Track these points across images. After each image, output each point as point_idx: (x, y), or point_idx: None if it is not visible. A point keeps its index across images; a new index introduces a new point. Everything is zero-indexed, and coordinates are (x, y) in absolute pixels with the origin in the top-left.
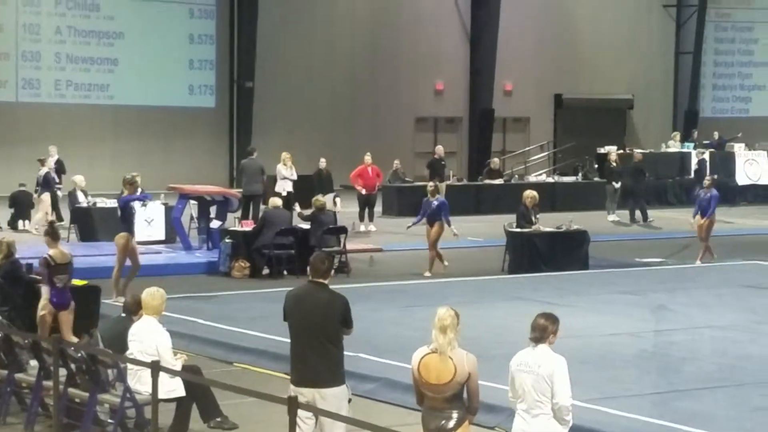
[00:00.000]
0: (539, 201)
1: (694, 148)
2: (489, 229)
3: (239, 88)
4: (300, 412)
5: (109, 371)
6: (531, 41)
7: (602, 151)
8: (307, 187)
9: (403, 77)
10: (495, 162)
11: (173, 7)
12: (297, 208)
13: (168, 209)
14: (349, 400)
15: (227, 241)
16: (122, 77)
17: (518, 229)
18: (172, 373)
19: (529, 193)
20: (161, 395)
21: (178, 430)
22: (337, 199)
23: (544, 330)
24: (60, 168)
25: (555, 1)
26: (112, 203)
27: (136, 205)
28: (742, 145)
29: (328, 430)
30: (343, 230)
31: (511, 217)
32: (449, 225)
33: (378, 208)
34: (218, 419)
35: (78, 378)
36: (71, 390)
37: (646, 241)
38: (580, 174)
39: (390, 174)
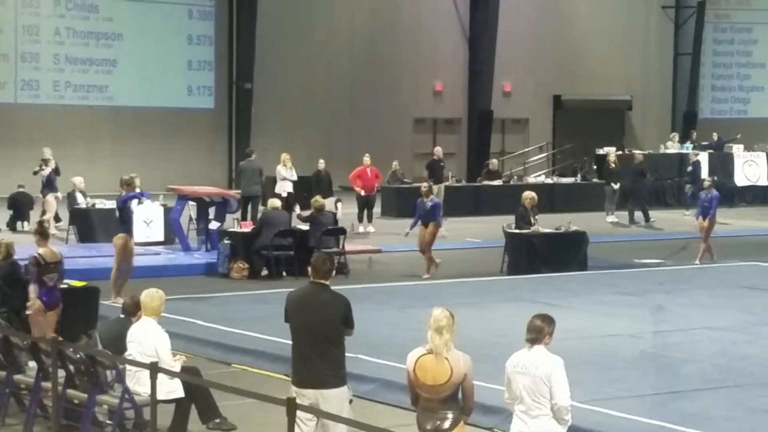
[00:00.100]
0: (538, 202)
1: (693, 149)
2: (488, 230)
3: (238, 89)
4: (301, 413)
5: (108, 372)
6: (530, 42)
7: (601, 152)
8: (305, 188)
9: (401, 78)
10: (494, 163)
11: (172, 8)
12: (297, 209)
13: (167, 210)
14: (351, 401)
15: (226, 242)
16: (121, 78)
17: (517, 230)
18: (170, 374)
19: (528, 194)
20: (160, 396)
21: (177, 431)
22: (339, 204)
23: (539, 331)
24: (54, 170)
25: (553, 2)
26: (111, 204)
27: (134, 203)
28: (741, 146)
29: (331, 431)
30: (342, 231)
31: (510, 218)
32: (440, 225)
33: (377, 209)
34: (217, 420)
35: (77, 379)
36: (70, 391)
37: (645, 242)
38: (578, 175)
39: (389, 175)
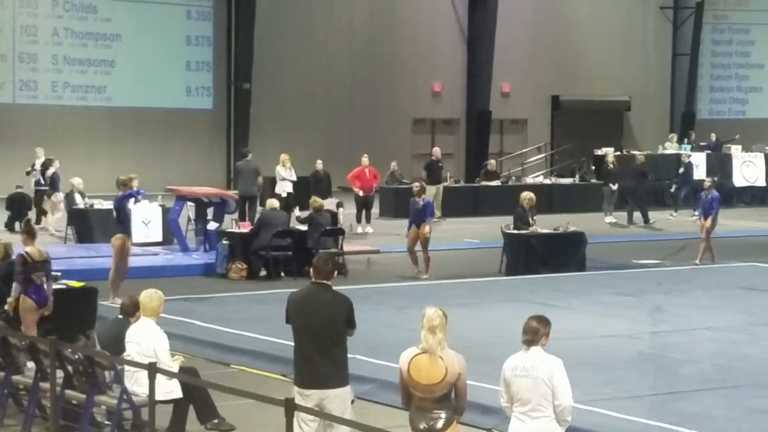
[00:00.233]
0: (536, 203)
1: (692, 149)
2: (486, 231)
3: (236, 89)
4: (303, 414)
5: (106, 373)
6: (528, 43)
7: (599, 152)
8: (305, 189)
9: (400, 79)
10: (492, 164)
11: (170, 8)
12: (296, 211)
13: (165, 211)
14: (353, 401)
15: (224, 242)
16: (119, 79)
17: (515, 231)
18: (169, 374)
19: (526, 195)
20: (158, 397)
21: (175, 431)
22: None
23: (536, 332)
24: (46, 170)
25: (552, 3)
26: (110, 205)
27: (131, 202)
28: (739, 146)
29: (333, 430)
30: (341, 232)
31: (508, 219)
32: (429, 224)
33: (375, 210)
34: (215, 421)
35: (75, 380)
36: (68, 392)
37: (643, 242)
38: (577, 176)
39: (387, 176)
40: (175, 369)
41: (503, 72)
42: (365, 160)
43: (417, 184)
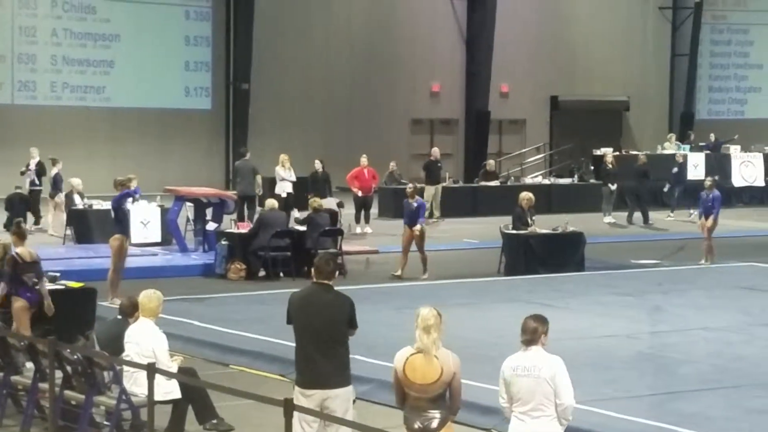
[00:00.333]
0: (535, 203)
1: (691, 150)
2: (485, 231)
3: (235, 90)
4: (304, 415)
5: (105, 373)
6: (527, 43)
7: (598, 153)
8: (305, 189)
9: (399, 79)
10: (491, 164)
11: (169, 9)
12: (295, 213)
13: (164, 211)
14: (354, 401)
15: (223, 243)
16: (118, 79)
17: (514, 231)
18: (168, 375)
19: (525, 195)
20: (157, 397)
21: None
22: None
23: (534, 332)
24: (40, 170)
25: (551, 3)
26: (109, 205)
27: (128, 202)
28: (738, 147)
29: (334, 429)
30: (340, 232)
31: (507, 219)
32: (421, 225)
33: (374, 210)
34: (214, 421)
35: (74, 380)
36: (67, 392)
37: (642, 242)
38: (576, 176)
39: (386, 176)
40: (174, 369)
41: (502, 72)
42: (364, 160)
43: (411, 185)
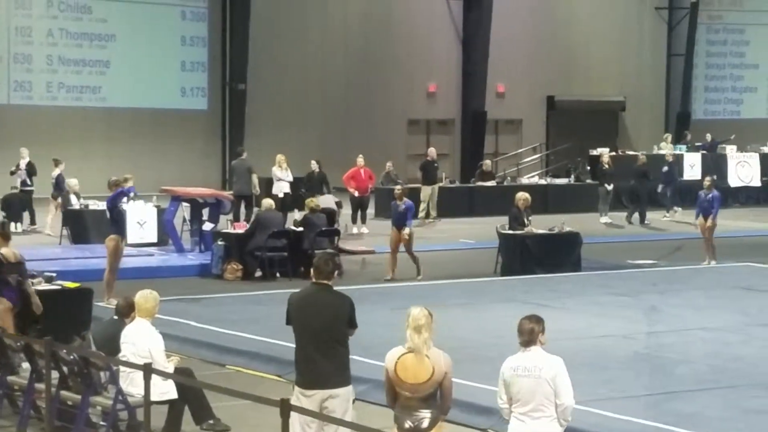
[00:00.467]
0: (532, 203)
1: (687, 150)
2: (481, 231)
3: (231, 90)
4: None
5: (102, 374)
6: (523, 43)
7: (594, 153)
8: (299, 190)
9: (395, 79)
10: (487, 164)
11: (165, 9)
12: (296, 214)
13: (160, 211)
14: (354, 401)
15: (220, 243)
16: (114, 79)
17: (511, 231)
18: (164, 375)
19: (522, 195)
20: (153, 398)
21: None
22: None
23: (531, 332)
24: (31, 170)
25: (547, 3)
26: (104, 205)
27: (124, 202)
28: (734, 147)
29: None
30: (336, 232)
31: (504, 219)
32: (409, 227)
33: (371, 210)
34: (210, 422)
35: (70, 380)
36: (63, 392)
37: (639, 242)
38: (572, 176)
39: (382, 176)
40: (171, 370)
41: (498, 72)
42: (360, 160)
43: (399, 187)
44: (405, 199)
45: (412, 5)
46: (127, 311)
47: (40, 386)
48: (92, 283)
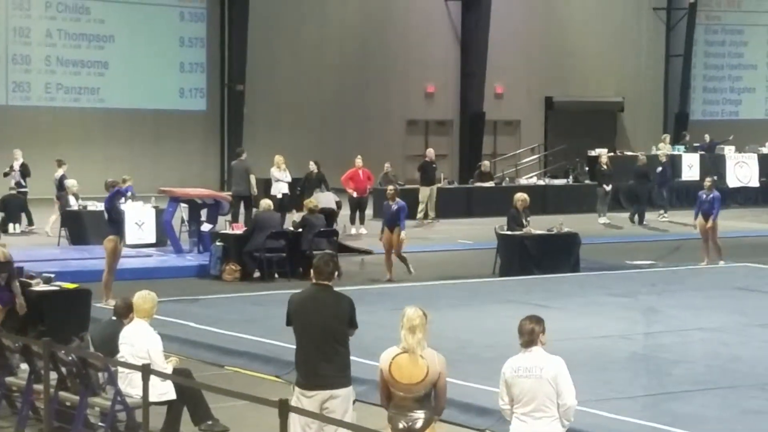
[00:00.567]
0: (530, 204)
1: (685, 150)
2: (480, 232)
3: (230, 91)
4: (303, 418)
5: (100, 374)
6: (521, 44)
7: (593, 153)
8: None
9: (393, 80)
10: (486, 165)
11: (164, 10)
12: (295, 216)
13: (159, 212)
14: (354, 402)
15: (218, 244)
16: (113, 80)
17: (509, 232)
18: (162, 376)
19: (520, 196)
20: (152, 398)
21: None
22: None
23: (531, 333)
24: (24, 171)
25: (545, 4)
26: (103, 206)
27: (121, 202)
28: (732, 147)
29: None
30: (335, 233)
31: (502, 220)
32: (402, 229)
33: (369, 211)
34: (209, 422)
35: (69, 381)
36: (62, 393)
37: (637, 243)
38: (570, 177)
39: (381, 177)
40: (169, 370)
41: (497, 73)
42: (359, 161)
43: (391, 187)
44: (397, 199)
45: (410, 6)
46: (125, 312)
47: (39, 387)
48: (91, 284)
